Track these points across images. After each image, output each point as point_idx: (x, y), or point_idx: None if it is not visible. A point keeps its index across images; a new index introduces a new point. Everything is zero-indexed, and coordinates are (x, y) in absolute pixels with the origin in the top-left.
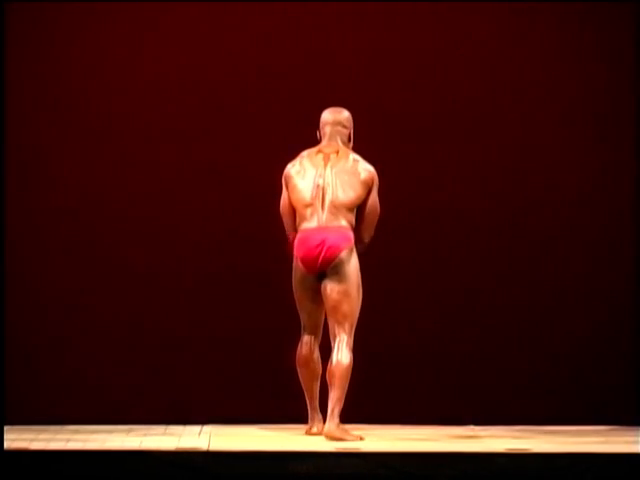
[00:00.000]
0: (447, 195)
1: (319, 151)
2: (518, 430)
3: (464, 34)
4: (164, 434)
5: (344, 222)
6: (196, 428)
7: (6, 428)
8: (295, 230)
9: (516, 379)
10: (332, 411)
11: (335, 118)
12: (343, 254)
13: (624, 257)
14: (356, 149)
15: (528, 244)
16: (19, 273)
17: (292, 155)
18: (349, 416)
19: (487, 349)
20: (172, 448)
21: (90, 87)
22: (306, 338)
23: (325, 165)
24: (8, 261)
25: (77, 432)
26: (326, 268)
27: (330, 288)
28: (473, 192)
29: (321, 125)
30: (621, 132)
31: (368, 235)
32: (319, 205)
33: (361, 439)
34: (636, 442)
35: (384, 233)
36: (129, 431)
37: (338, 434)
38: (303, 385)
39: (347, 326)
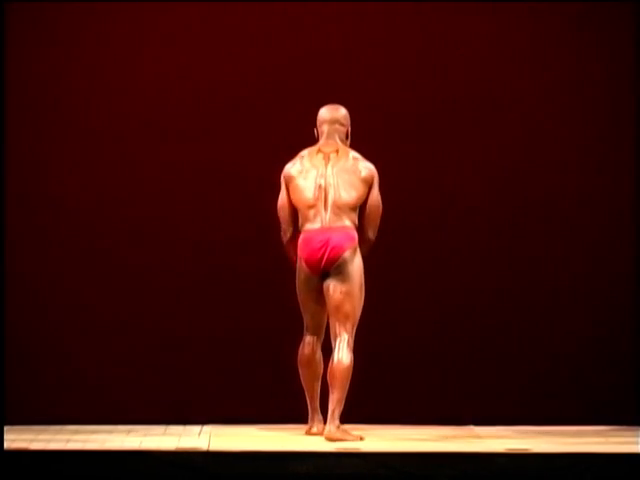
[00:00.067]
0: (447, 195)
1: (319, 150)
2: (518, 430)
3: (464, 34)
4: (164, 434)
5: (347, 222)
6: (196, 428)
7: (6, 428)
8: (292, 229)
9: (516, 379)
10: (332, 413)
11: (333, 116)
12: (347, 254)
13: (624, 257)
14: (356, 149)
15: (528, 244)
16: (19, 273)
17: (292, 155)
18: (349, 416)
19: (487, 349)
20: (172, 448)
21: (90, 87)
22: (309, 338)
23: (326, 165)
24: (8, 261)
25: (77, 432)
26: (330, 268)
27: (333, 287)
28: (473, 192)
29: (318, 123)
30: (621, 132)
31: (373, 232)
32: (322, 206)
33: (361, 439)
34: (636, 442)
35: (384, 233)
36: (129, 431)
37: (338, 436)
38: (304, 385)
39: (349, 326)
